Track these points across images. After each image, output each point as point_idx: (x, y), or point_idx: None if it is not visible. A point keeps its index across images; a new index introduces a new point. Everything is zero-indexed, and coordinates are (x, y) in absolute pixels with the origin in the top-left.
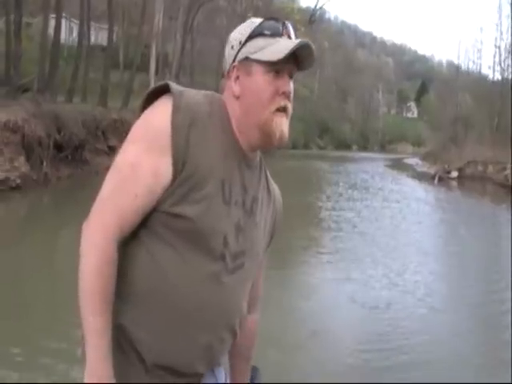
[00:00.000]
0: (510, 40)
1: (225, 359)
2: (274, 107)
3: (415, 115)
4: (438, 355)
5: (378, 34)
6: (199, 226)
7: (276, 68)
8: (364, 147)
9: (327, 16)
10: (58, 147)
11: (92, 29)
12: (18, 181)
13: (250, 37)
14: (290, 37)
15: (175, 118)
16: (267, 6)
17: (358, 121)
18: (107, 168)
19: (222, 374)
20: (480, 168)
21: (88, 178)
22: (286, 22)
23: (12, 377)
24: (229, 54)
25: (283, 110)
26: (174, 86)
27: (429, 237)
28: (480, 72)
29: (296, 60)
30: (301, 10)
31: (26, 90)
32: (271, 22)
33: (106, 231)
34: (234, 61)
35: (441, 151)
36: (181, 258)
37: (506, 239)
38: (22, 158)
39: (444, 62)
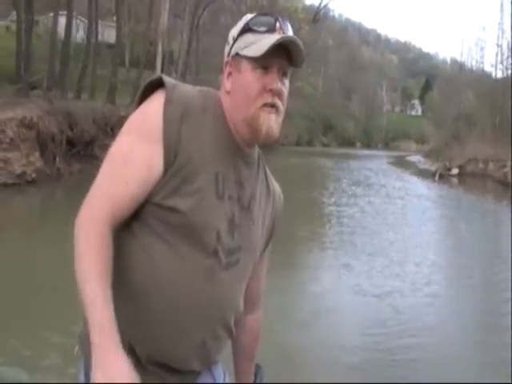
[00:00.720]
0: (511, 39)
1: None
2: (260, 103)
3: (419, 113)
4: (437, 355)
5: (383, 31)
6: (192, 220)
7: (263, 64)
8: (368, 145)
9: (331, 14)
10: (70, 143)
11: (98, 26)
12: (34, 175)
13: (241, 32)
14: (284, 33)
15: (167, 111)
16: (272, 4)
17: (361, 118)
18: None
19: (221, 373)
20: (481, 165)
21: (97, 172)
22: (281, 18)
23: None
24: (226, 49)
25: (271, 105)
26: (167, 79)
27: (430, 233)
28: (483, 70)
29: (290, 57)
30: (305, 9)
31: (34, 88)
32: (264, 18)
33: (98, 217)
34: (228, 56)
35: (443, 148)
36: (173, 252)
37: (506, 236)
38: (37, 154)
39: (448, 59)
